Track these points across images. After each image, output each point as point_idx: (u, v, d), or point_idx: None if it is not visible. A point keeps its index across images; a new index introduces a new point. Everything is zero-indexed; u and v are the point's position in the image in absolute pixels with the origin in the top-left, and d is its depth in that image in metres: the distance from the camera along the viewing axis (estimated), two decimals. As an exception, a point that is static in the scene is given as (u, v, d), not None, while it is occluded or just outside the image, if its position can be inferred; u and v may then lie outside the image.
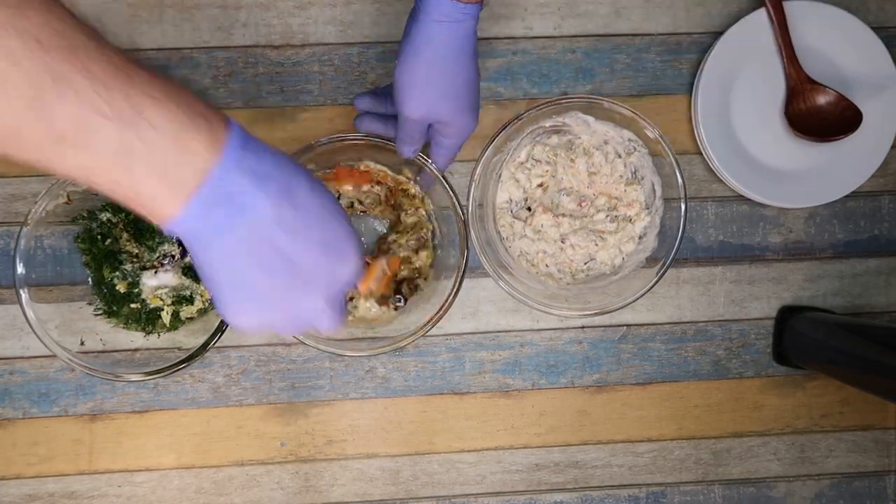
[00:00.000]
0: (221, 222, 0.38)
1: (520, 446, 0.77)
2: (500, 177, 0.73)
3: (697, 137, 0.75)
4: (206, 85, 0.74)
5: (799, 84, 0.74)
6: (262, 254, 0.39)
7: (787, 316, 0.77)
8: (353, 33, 0.74)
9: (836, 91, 0.73)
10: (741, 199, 0.77)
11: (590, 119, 0.71)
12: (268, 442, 0.75)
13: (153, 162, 0.35)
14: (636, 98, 0.76)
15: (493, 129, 0.75)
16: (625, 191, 0.73)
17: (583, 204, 0.73)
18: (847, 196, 0.76)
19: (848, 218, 0.78)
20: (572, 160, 0.73)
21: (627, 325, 0.77)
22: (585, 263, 0.73)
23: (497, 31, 0.75)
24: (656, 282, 0.69)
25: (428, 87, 0.60)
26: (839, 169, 0.75)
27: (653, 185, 0.72)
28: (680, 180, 0.68)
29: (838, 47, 0.75)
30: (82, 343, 0.69)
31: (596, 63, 0.76)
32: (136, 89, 0.35)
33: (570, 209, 0.73)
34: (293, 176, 0.40)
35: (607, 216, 0.73)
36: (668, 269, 0.69)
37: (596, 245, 0.72)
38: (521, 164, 0.73)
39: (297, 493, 0.75)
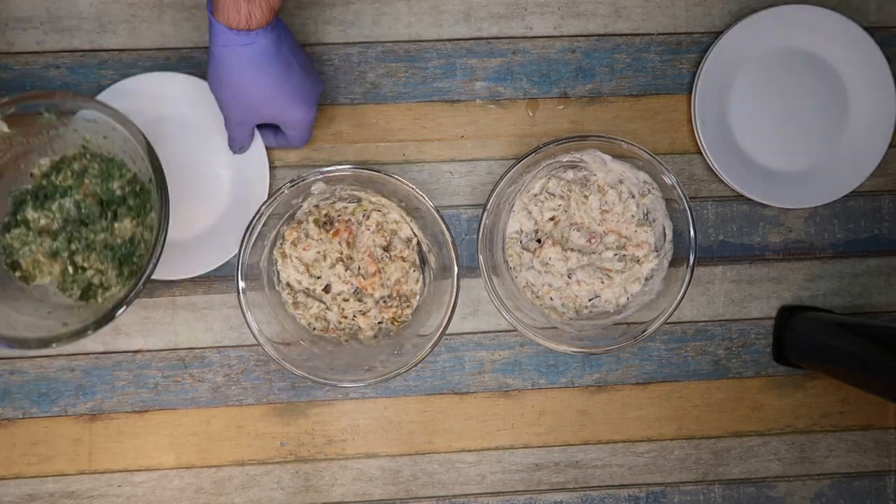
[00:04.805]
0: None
1: (520, 446, 0.77)
2: (512, 207, 0.73)
3: (697, 137, 0.75)
4: (206, 85, 0.74)
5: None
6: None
7: (787, 316, 0.77)
8: (353, 33, 0.74)
9: None
10: (741, 198, 0.77)
11: (607, 158, 0.70)
12: (268, 442, 0.75)
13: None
14: (636, 98, 0.76)
15: (494, 128, 0.75)
16: (635, 231, 0.72)
17: (592, 240, 0.73)
18: (847, 196, 0.76)
19: (848, 218, 0.78)
20: (586, 196, 0.72)
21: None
22: (590, 300, 0.73)
23: (497, 31, 0.75)
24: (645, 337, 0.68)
25: (239, 96, 0.64)
26: (839, 169, 0.75)
27: (664, 229, 0.71)
28: (692, 233, 0.67)
29: (836, 51, 0.75)
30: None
31: (596, 63, 0.76)
32: None
33: (579, 244, 0.73)
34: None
35: (616, 255, 0.72)
36: (656, 330, 0.68)
37: (602, 283, 0.72)
38: (535, 195, 0.73)
39: (297, 493, 0.75)
